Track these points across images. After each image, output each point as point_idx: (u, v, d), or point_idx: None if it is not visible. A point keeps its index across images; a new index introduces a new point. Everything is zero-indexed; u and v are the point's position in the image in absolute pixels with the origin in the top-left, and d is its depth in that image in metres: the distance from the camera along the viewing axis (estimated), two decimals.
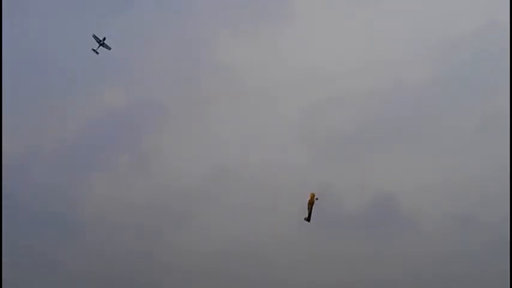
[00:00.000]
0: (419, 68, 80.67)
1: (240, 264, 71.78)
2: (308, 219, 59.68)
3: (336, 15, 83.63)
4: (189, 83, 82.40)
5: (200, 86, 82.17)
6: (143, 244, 73.61)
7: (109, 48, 75.23)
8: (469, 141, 76.51)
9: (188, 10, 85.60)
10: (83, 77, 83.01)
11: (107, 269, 72.03)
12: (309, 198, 59.87)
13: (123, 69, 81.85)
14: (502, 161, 72.52)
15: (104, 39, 75.19)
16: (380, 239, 72.62)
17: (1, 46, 73.89)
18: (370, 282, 70.88)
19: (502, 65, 77.86)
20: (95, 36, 74.94)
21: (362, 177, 74.63)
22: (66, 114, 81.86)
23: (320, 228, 72.27)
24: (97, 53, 75.44)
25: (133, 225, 74.66)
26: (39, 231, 72.80)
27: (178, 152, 79.46)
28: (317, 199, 59.25)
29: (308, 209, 58.94)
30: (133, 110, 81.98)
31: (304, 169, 75.00)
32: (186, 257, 72.52)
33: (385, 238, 72.55)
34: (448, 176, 74.22)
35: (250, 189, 75.34)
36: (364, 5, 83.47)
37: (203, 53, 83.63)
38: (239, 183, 76.16)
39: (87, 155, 79.98)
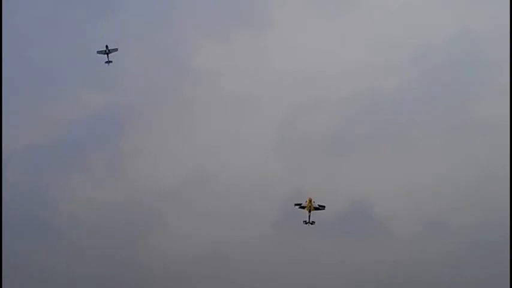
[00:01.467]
0: (394, 75, 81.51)
1: (215, 266, 72.29)
2: (308, 222, 66.73)
3: (313, 23, 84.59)
4: (168, 88, 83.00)
5: (180, 90, 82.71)
6: (120, 245, 73.78)
7: (116, 50, 75.17)
8: (442, 148, 77.43)
9: (169, 16, 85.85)
10: (63, 80, 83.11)
11: (84, 269, 72.04)
12: (307, 203, 66.73)
13: (103, 73, 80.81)
14: (475, 167, 74.12)
15: (107, 47, 75.04)
16: (354, 243, 73.29)
17: None
18: (344, 287, 71.23)
19: (475, 71, 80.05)
20: (100, 52, 74.67)
21: (337, 183, 75.38)
22: (43, 114, 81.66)
23: (295, 232, 73.21)
24: (110, 61, 75.46)
25: (110, 227, 74.96)
26: (16, 232, 71.99)
27: (156, 155, 79.78)
28: (323, 207, 66.61)
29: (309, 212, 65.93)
30: (113, 113, 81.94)
31: (279, 174, 76.60)
32: (164, 258, 72.87)
33: (359, 243, 73.23)
34: (422, 183, 75.04)
35: (226, 192, 76.00)
36: (342, 13, 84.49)
37: (183, 58, 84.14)
38: (216, 187, 76.87)
39: (65, 156, 79.61)
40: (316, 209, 68.04)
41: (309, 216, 67.52)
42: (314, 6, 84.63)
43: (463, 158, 76.01)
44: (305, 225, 68.09)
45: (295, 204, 68.50)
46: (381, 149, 77.62)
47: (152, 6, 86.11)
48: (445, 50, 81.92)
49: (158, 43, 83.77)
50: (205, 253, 72.50)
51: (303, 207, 68.17)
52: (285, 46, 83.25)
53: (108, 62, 75.95)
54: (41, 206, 75.34)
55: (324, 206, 68.57)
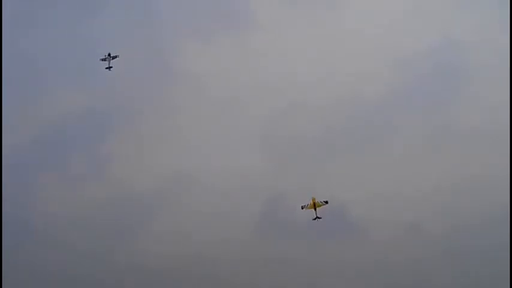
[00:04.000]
0: (376, 81, 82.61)
1: (199, 266, 73.50)
2: (316, 218, 71.96)
3: (298, 26, 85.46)
4: (151, 90, 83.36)
5: (164, 92, 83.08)
6: (103, 245, 74.63)
7: (117, 56, 76.29)
8: (420, 152, 78.54)
9: (153, 19, 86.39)
10: (40, 79, 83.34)
11: (65, 269, 73.08)
12: (311, 203, 72.15)
13: (84, 74, 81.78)
14: (455, 174, 75.19)
15: (109, 54, 76.05)
16: (331, 246, 74.53)
17: None
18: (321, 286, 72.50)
19: (455, 80, 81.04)
20: (103, 60, 75.74)
21: (315, 185, 75.99)
22: (23, 113, 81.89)
23: (273, 234, 74.48)
24: (111, 67, 76.59)
25: (92, 227, 75.68)
26: None
27: (140, 157, 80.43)
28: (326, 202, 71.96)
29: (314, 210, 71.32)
30: (97, 113, 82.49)
31: (261, 175, 77.26)
32: (148, 258, 73.85)
33: (335, 246, 74.45)
34: (399, 186, 76.32)
35: (210, 193, 77.09)
36: (327, 18, 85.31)
37: (166, 60, 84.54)
38: (200, 188, 77.75)
39: (47, 156, 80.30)
40: (321, 205, 72.98)
41: (315, 213, 72.03)
42: (301, 10, 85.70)
43: (442, 164, 77.21)
44: (314, 220, 72.89)
45: (302, 207, 73.24)
46: (362, 153, 78.78)
47: (137, 7, 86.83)
48: (428, 57, 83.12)
49: (143, 44, 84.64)
50: (189, 253, 73.70)
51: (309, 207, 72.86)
52: (271, 48, 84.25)
53: (109, 67, 76.89)
54: (21, 206, 76.15)
55: (327, 201, 73.23)
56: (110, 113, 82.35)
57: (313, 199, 72.68)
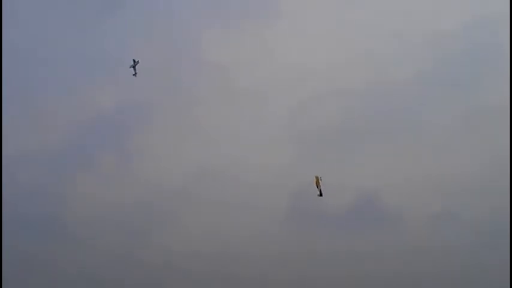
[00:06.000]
0: (403, 64, 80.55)
1: (227, 264, 72.81)
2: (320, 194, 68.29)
3: (322, 13, 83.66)
4: (177, 83, 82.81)
5: (188, 85, 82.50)
6: (130, 244, 74.30)
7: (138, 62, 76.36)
8: (452, 137, 76.63)
9: (175, 10, 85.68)
10: (70, 77, 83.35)
11: (96, 269, 72.71)
12: (315, 181, 68.31)
13: (111, 70, 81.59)
14: (485, 157, 73.02)
15: (134, 60, 75.94)
16: (364, 235, 73.28)
17: None
18: (354, 279, 71.57)
19: (487, 61, 78.43)
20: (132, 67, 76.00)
21: (346, 175, 74.87)
22: (53, 114, 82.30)
23: (305, 225, 73.59)
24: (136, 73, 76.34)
25: (119, 225, 75.47)
26: (26, 232, 73.53)
27: (165, 152, 79.87)
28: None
29: (318, 188, 67.96)
30: (121, 110, 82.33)
31: (289, 167, 76.06)
32: (173, 255, 73.34)
33: (369, 234, 73.20)
34: (432, 173, 74.48)
35: (235, 188, 76.08)
36: (350, 2, 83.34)
37: (191, 52, 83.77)
38: (225, 183, 76.89)
39: (75, 156, 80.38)
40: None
41: (320, 190, 68.85)
42: None
43: (475, 147, 75.19)
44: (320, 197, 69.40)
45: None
46: (391, 139, 77.17)
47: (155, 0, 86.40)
48: (458, 36, 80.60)
49: (165, 37, 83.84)
50: (214, 250, 73.12)
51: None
52: (294, 38, 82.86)
53: (135, 74, 76.75)
54: (52, 206, 76.18)
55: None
56: (136, 110, 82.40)
57: (317, 177, 69.65)
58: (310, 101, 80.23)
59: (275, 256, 72.60)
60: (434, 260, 71.15)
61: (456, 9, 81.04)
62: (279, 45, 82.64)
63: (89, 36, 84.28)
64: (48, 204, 76.24)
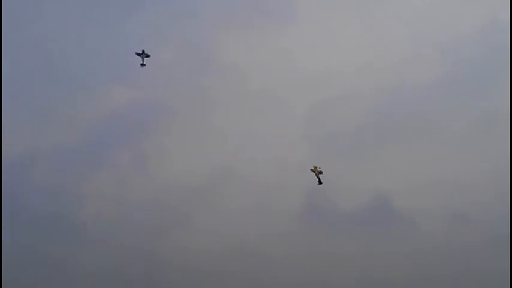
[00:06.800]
0: (421, 68, 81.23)
1: (242, 263, 72.90)
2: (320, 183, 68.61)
3: (340, 15, 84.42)
4: (194, 84, 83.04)
5: (205, 86, 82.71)
6: (146, 243, 74.35)
7: (149, 55, 76.55)
8: (467, 140, 77.00)
9: (194, 11, 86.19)
10: (86, 76, 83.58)
11: (111, 268, 72.62)
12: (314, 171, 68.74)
13: (128, 69, 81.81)
14: (499, 160, 73.07)
15: (143, 51, 76.22)
16: (378, 237, 73.59)
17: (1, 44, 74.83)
18: (368, 281, 71.71)
19: (503, 65, 78.28)
20: (138, 54, 76.04)
21: (362, 176, 75.15)
22: (68, 113, 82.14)
23: (319, 226, 73.75)
24: (144, 64, 76.51)
25: (136, 224, 75.31)
26: (41, 231, 73.39)
27: (183, 152, 80.00)
28: (321, 172, 68.08)
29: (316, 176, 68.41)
30: (138, 109, 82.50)
31: (305, 169, 75.67)
32: (190, 255, 73.47)
33: (382, 236, 73.44)
34: (446, 175, 74.79)
35: (251, 188, 76.42)
36: (368, 5, 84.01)
37: (208, 53, 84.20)
38: (243, 183, 77.14)
39: (89, 154, 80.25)
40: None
41: (319, 178, 68.95)
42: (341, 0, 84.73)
43: (490, 150, 75.38)
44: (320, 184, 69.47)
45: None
46: (405, 141, 77.58)
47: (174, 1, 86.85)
48: (475, 41, 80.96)
49: (183, 38, 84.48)
50: (230, 249, 73.33)
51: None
52: (312, 40, 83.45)
53: (143, 64, 77.06)
54: (68, 205, 76.16)
55: (321, 172, 69.80)
56: (154, 110, 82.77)
57: (315, 167, 69.63)
58: (327, 103, 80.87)
59: (290, 256, 72.85)
60: (448, 263, 71.31)
61: (472, 14, 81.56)
62: (297, 49, 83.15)
63: (107, 35, 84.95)
64: (64, 203, 76.23)
